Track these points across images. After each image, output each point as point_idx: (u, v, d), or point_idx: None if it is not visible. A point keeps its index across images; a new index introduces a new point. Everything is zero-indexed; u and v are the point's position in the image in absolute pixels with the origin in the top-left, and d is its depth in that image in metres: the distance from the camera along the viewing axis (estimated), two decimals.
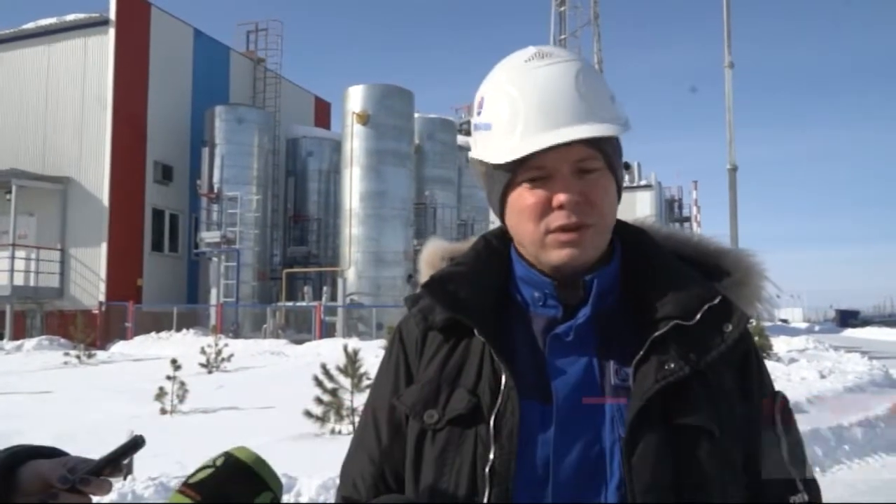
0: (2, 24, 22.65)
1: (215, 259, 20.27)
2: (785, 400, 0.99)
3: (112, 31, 20.81)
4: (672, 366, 0.90)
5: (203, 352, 12.13)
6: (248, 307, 20.40)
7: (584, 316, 0.94)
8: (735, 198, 15.38)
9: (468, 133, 20.67)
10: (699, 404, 0.89)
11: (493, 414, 0.91)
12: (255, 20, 26.56)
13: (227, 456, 0.79)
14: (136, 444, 0.86)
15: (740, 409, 0.93)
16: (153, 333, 18.32)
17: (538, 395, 0.92)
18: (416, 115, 21.67)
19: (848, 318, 47.78)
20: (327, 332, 18.01)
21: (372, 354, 8.27)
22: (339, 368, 7.14)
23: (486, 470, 0.89)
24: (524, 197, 0.95)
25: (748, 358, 0.97)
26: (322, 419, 6.92)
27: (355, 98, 20.20)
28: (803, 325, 34.77)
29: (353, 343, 8.82)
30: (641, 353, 0.91)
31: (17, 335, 18.51)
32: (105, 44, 20.89)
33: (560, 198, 0.92)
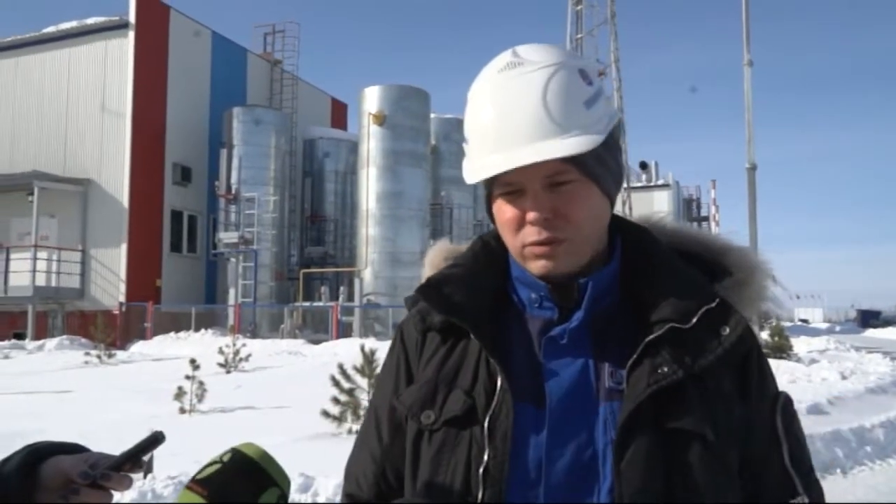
0: (24, 29, 22.97)
1: (233, 260, 20.41)
2: (788, 400, 0.97)
3: (132, 34, 21.03)
4: (665, 370, 0.89)
5: (221, 352, 12.20)
6: (265, 307, 20.53)
7: (578, 320, 0.94)
8: (754, 197, 15.25)
9: None
10: (693, 408, 0.88)
11: (487, 416, 0.91)
12: (272, 22, 26.71)
13: (234, 452, 0.80)
14: (155, 439, 0.87)
15: (739, 410, 0.92)
16: (172, 333, 18.48)
17: (532, 397, 0.92)
18: (432, 115, 21.68)
19: (869, 319, 47.22)
20: (344, 332, 18.07)
21: None
22: (355, 368, 7.16)
23: (480, 471, 0.89)
24: (503, 210, 0.96)
25: (748, 358, 0.96)
26: (339, 419, 6.95)
27: (371, 99, 20.26)
28: (824, 326, 34.42)
29: (370, 343, 8.84)
30: (635, 356, 0.90)
31: (38, 335, 18.76)
32: (125, 47, 21.11)
33: (530, 215, 0.92)
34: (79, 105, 21.42)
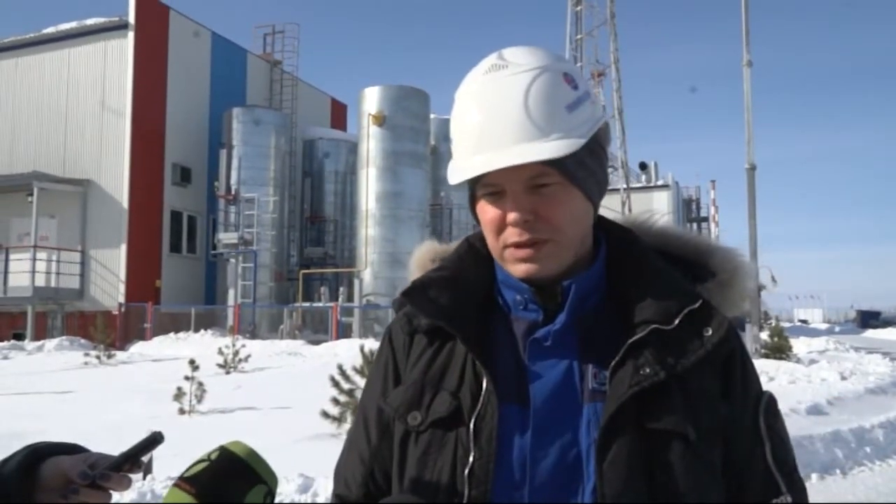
0: (24, 29, 22.99)
1: (233, 260, 20.42)
2: (771, 400, 0.98)
3: (131, 35, 21.03)
4: (647, 371, 0.89)
5: (221, 352, 12.20)
6: (265, 308, 20.54)
7: (561, 322, 0.95)
8: (754, 197, 15.24)
9: None
10: (675, 409, 0.89)
11: (473, 417, 0.92)
12: (271, 23, 26.74)
13: (222, 450, 0.80)
14: (154, 440, 0.87)
15: (722, 410, 0.92)
16: (171, 334, 18.49)
17: (517, 398, 0.93)
18: (431, 116, 21.69)
19: (869, 319, 47.26)
20: (344, 332, 18.07)
21: None
22: (355, 369, 7.16)
23: (466, 472, 0.90)
24: (485, 211, 0.96)
25: (732, 359, 0.96)
26: (338, 419, 6.95)
27: (371, 99, 20.27)
28: (823, 326, 34.45)
29: (370, 344, 8.84)
30: (618, 357, 0.91)
31: (38, 335, 18.75)
32: (124, 47, 21.12)
33: (510, 216, 0.93)
34: (78, 105, 21.41)
